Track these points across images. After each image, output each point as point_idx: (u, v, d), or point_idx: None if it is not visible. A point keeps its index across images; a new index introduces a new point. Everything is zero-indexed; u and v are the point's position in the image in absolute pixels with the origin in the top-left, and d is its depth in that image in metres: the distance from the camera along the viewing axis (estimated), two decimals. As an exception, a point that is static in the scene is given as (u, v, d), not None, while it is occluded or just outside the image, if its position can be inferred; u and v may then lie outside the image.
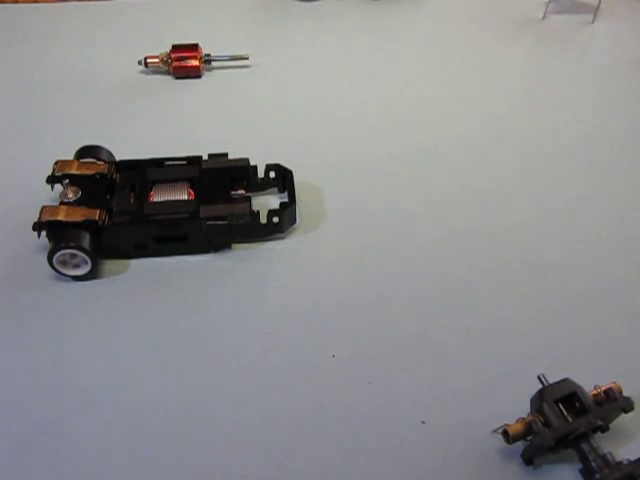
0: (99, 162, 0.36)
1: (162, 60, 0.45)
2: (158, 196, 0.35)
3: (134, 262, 0.35)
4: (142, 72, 0.46)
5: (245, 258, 0.35)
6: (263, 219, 0.35)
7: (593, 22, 0.51)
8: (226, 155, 0.37)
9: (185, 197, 0.35)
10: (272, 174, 0.38)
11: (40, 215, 0.33)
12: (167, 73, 0.46)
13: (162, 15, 0.51)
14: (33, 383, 0.30)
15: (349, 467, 0.28)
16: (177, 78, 0.46)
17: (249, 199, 0.36)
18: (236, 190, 0.36)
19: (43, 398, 0.30)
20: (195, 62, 0.45)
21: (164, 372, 0.31)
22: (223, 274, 0.35)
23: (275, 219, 0.35)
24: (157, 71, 0.46)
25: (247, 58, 0.46)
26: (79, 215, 0.34)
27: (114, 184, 0.36)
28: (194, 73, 0.46)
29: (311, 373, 0.31)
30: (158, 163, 0.37)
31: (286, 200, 0.36)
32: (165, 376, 0.31)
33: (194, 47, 0.45)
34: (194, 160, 0.37)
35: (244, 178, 0.37)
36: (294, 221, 0.36)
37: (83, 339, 0.32)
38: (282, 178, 0.37)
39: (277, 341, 0.32)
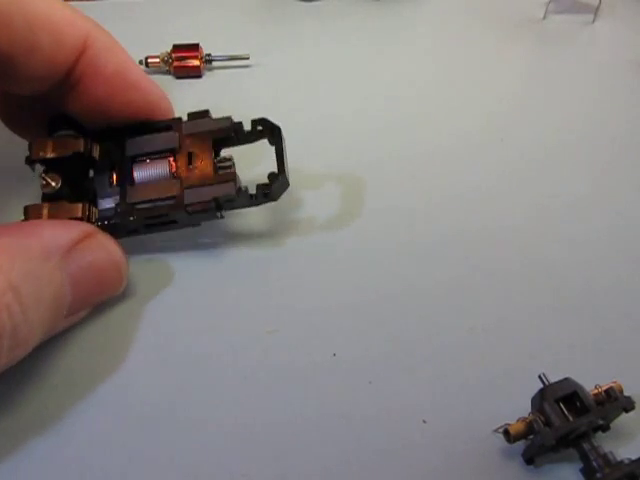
0: (75, 135, 0.33)
1: (163, 60, 0.45)
2: (140, 175, 0.33)
3: (133, 261, 0.35)
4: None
5: (245, 258, 0.35)
6: (252, 189, 0.33)
7: (593, 22, 0.51)
8: (207, 113, 0.35)
9: (167, 173, 0.33)
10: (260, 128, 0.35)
11: (25, 218, 0.32)
12: (168, 73, 0.46)
13: (162, 15, 0.51)
14: (33, 383, 0.30)
15: (349, 466, 0.28)
16: (178, 78, 0.46)
17: (234, 177, 0.33)
18: (223, 148, 0.34)
19: (44, 397, 0.30)
20: (196, 62, 0.45)
21: (164, 371, 0.31)
22: (223, 273, 0.34)
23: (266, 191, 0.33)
24: (158, 71, 0.46)
25: (248, 58, 0.46)
26: (62, 217, 0.32)
27: (93, 161, 0.34)
28: (195, 73, 0.46)
29: (312, 372, 0.31)
30: (137, 130, 0.34)
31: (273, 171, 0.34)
32: (165, 375, 0.31)
33: (195, 47, 0.45)
34: (174, 123, 0.35)
35: (228, 139, 0.35)
36: (287, 186, 0.34)
37: (82, 338, 0.32)
38: (270, 133, 0.35)
39: (278, 340, 0.32)
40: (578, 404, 0.27)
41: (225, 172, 0.34)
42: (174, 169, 0.34)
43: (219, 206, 0.33)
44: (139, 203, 0.33)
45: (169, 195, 0.33)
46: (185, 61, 0.45)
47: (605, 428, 0.27)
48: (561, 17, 0.52)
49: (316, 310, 0.33)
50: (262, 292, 0.34)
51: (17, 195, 0.35)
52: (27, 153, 0.33)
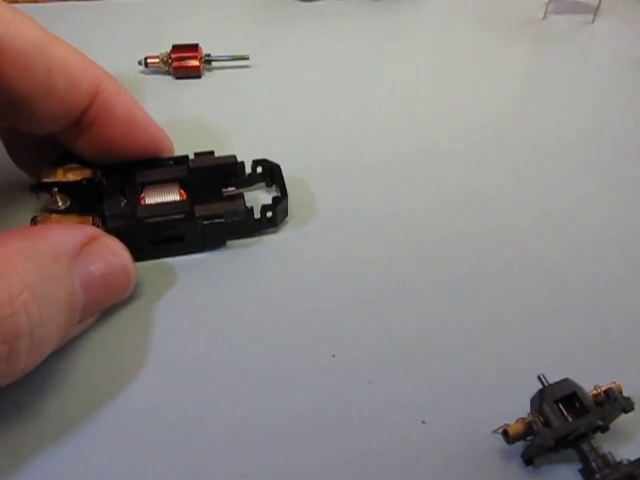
0: (83, 167, 0.35)
1: (162, 60, 0.45)
2: (150, 198, 0.34)
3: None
4: (142, 72, 0.46)
5: (244, 258, 0.35)
6: (257, 214, 0.35)
7: (593, 22, 0.51)
8: (212, 153, 0.36)
9: (177, 197, 0.34)
10: (259, 170, 0.37)
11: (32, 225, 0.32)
12: (167, 73, 0.46)
13: (162, 15, 0.51)
14: (39, 388, 0.30)
15: (349, 467, 0.28)
16: (177, 78, 0.46)
17: (242, 196, 0.35)
18: (226, 187, 0.36)
19: (50, 402, 0.29)
20: (195, 62, 0.45)
21: (163, 372, 0.31)
22: (222, 274, 0.34)
23: (269, 214, 0.35)
24: (157, 71, 0.46)
25: (247, 58, 0.46)
26: (72, 224, 0.32)
27: (102, 189, 0.35)
28: (194, 73, 0.46)
29: (311, 373, 0.31)
30: (145, 165, 0.36)
31: (275, 194, 0.36)
32: (165, 376, 0.30)
33: (194, 47, 0.45)
34: (181, 160, 0.36)
35: (232, 175, 0.36)
36: (286, 214, 0.36)
37: (82, 343, 0.32)
38: (270, 173, 0.37)
39: (277, 341, 0.32)
40: (577, 405, 0.27)
41: (233, 197, 0.35)
42: (183, 196, 0.35)
43: (226, 226, 0.34)
44: (149, 217, 0.33)
45: (180, 210, 0.34)
46: (185, 61, 0.45)
47: (604, 429, 0.27)
48: (561, 17, 0.52)
49: (315, 310, 0.33)
50: (261, 292, 0.34)
51: (23, 210, 0.35)
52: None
